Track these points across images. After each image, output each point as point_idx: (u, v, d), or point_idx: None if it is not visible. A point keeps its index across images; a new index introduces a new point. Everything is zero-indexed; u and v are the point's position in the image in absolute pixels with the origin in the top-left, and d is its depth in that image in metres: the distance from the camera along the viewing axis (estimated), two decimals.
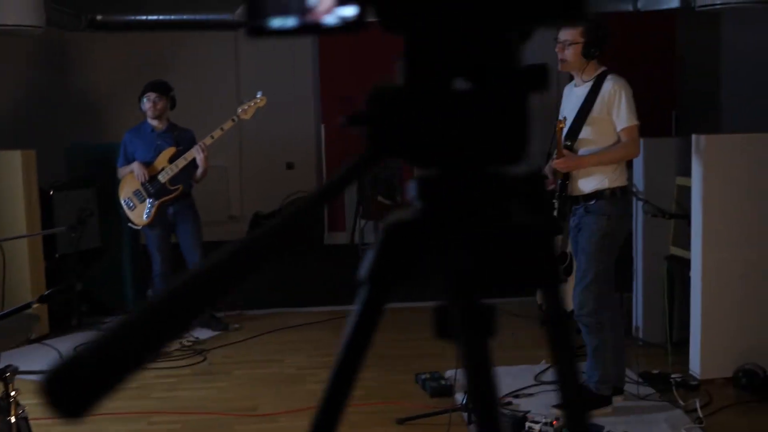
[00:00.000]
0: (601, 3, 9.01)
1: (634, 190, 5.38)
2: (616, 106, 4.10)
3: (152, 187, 5.88)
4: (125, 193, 5.95)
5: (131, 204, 5.92)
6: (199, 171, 5.92)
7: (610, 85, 4.16)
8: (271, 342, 5.87)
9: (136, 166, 5.87)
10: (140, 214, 5.89)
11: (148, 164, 5.91)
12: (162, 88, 5.95)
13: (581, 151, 4.19)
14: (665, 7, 8.64)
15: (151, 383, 5.04)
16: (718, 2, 7.09)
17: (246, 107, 5.80)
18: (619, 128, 4.10)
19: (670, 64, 9.79)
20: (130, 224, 5.98)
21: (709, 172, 4.54)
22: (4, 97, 8.29)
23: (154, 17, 8.64)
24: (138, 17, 8.61)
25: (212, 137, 5.82)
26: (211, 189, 9.94)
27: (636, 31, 9.54)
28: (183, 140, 5.96)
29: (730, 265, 4.60)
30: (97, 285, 6.70)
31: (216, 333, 6.06)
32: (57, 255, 6.17)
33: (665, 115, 9.70)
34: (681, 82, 10.03)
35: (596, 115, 4.16)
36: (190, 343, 5.72)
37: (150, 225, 5.93)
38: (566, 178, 4.23)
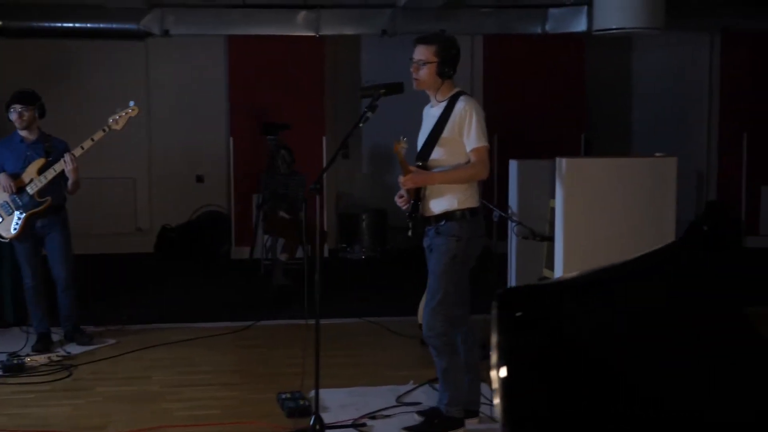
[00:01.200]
0: (511, 25, 9.10)
1: (510, 212, 5.40)
2: (467, 127, 4.10)
3: (20, 199, 5.70)
4: None
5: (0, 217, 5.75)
6: (70, 182, 5.75)
7: (461, 105, 4.16)
8: (143, 358, 5.75)
9: (2, 178, 5.67)
10: (8, 227, 5.71)
11: (17, 176, 5.73)
12: (28, 99, 5.76)
13: (437, 169, 4.19)
14: (572, 30, 8.75)
15: (7, 399, 4.91)
16: (614, 27, 7.18)
17: (117, 117, 5.65)
18: (468, 149, 4.10)
19: (580, 86, 9.90)
20: None
21: (570, 195, 4.57)
22: None
23: (59, 24, 8.51)
24: (43, 24, 8.46)
25: (82, 147, 5.65)
26: (119, 201, 9.83)
27: (547, 54, 9.65)
28: (54, 151, 5.77)
29: None
30: None
31: (85, 348, 5.91)
32: None
33: (574, 138, 9.80)
34: (591, 105, 10.15)
35: (447, 136, 4.16)
36: (59, 358, 5.58)
37: (18, 238, 5.76)
38: (418, 198, 4.21)
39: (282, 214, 8.28)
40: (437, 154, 4.20)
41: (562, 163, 4.58)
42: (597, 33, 7.36)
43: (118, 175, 9.82)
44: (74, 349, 5.88)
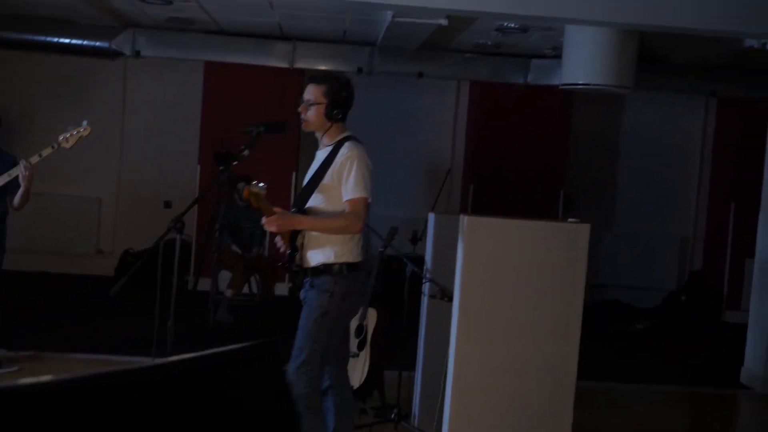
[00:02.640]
0: (493, 72, 8.85)
1: (426, 268, 5.10)
2: (346, 174, 3.84)
3: None
4: None
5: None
6: (20, 192, 5.51)
7: (344, 151, 3.90)
8: None
9: None
10: None
11: None
12: None
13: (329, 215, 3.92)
14: (551, 82, 8.47)
15: None
16: (580, 82, 6.89)
17: (68, 135, 5.45)
18: (344, 198, 3.84)
19: (564, 141, 9.59)
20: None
21: (469, 255, 4.27)
22: None
23: (32, 37, 8.41)
24: (19, 36, 8.37)
25: (29, 162, 5.47)
26: (81, 220, 9.66)
27: (533, 104, 9.37)
28: (1, 165, 5.61)
29: (483, 354, 4.30)
30: None
31: None
32: None
33: (553, 193, 9.48)
34: (575, 161, 9.83)
35: (327, 182, 3.90)
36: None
37: None
38: (294, 248, 3.94)
39: (234, 248, 8.05)
40: (315, 200, 3.94)
41: (464, 220, 4.28)
42: (564, 87, 7.07)
43: (84, 194, 9.67)
44: None
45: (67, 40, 8.41)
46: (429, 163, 9.91)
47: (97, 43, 8.42)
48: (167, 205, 9.78)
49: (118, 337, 7.00)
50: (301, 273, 3.93)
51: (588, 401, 4.48)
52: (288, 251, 3.94)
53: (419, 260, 5.19)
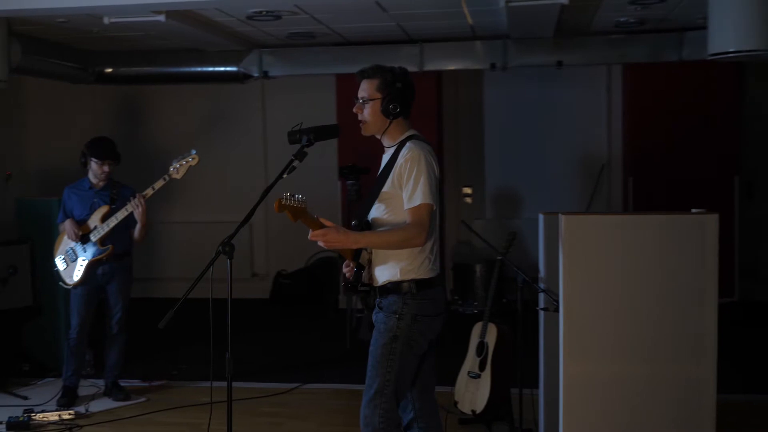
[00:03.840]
0: (641, 52, 8.06)
1: (540, 276, 4.52)
2: (406, 179, 3.37)
3: (84, 246, 5.60)
4: (59, 252, 5.72)
5: (63, 263, 5.67)
6: (138, 227, 5.57)
7: (404, 152, 3.44)
8: (154, 422, 5.39)
9: (68, 225, 5.62)
10: (71, 273, 5.62)
11: (83, 222, 5.64)
12: (117, 155, 5.70)
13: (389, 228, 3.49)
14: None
15: None
16: (730, 50, 6.03)
17: (178, 166, 5.39)
18: (405, 206, 3.37)
19: (735, 121, 8.55)
20: (61, 283, 5.70)
21: (571, 259, 3.68)
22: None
23: (161, 69, 8.53)
24: (145, 69, 8.53)
25: (144, 196, 5.46)
26: (236, 245, 9.68)
27: (695, 82, 8.44)
28: (119, 198, 5.65)
29: (595, 370, 3.70)
30: (36, 345, 6.52)
31: (117, 404, 5.67)
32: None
33: (726, 180, 8.47)
34: (751, 142, 8.77)
35: (387, 190, 3.45)
36: (70, 417, 5.34)
37: (80, 285, 5.65)
38: (360, 266, 3.52)
39: None
40: (377, 211, 3.50)
41: (562, 220, 3.70)
42: (714, 58, 6.21)
43: (237, 219, 9.68)
44: (100, 404, 5.66)
45: (197, 69, 8.45)
46: (581, 158, 9.17)
47: (226, 68, 8.39)
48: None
49: (254, 363, 6.85)
50: (372, 292, 3.51)
51: (721, 419, 3.74)
52: (354, 269, 3.52)
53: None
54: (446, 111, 9.41)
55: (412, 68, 8.20)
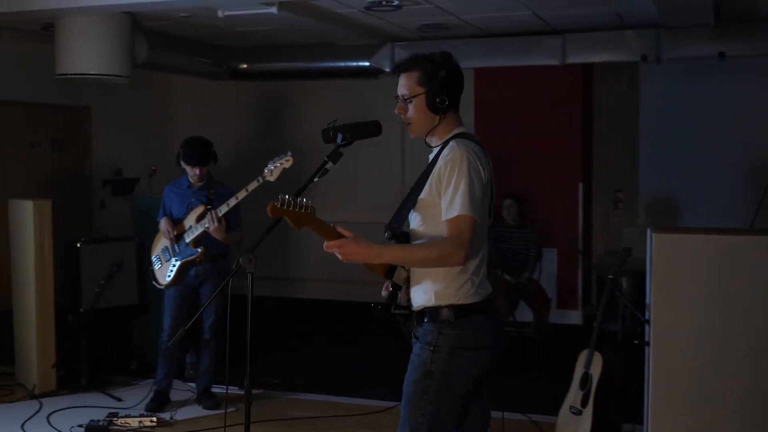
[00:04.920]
0: None
1: (648, 304, 3.81)
2: (445, 185, 2.83)
3: (178, 246, 5.45)
4: (155, 250, 5.60)
5: (158, 262, 5.55)
6: (219, 237, 5.34)
7: (445, 153, 2.90)
8: None
9: (164, 223, 5.47)
10: (164, 273, 5.49)
11: (179, 221, 5.48)
12: (205, 159, 5.49)
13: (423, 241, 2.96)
14: None
15: None
16: None
17: (273, 168, 5.04)
18: (443, 217, 2.82)
19: None
20: (154, 283, 5.58)
21: (660, 280, 3.01)
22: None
23: (295, 65, 8.33)
24: (279, 65, 8.35)
25: (237, 198, 5.21)
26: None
27: None
28: (217, 199, 5.43)
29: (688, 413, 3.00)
30: (146, 344, 6.44)
31: (207, 412, 5.45)
32: (81, 310, 5.99)
33: None
34: None
35: (425, 197, 2.91)
36: (152, 424, 5.16)
37: (171, 286, 5.49)
38: (396, 285, 3.00)
39: (500, 273, 7.13)
40: (414, 221, 2.98)
41: (651, 237, 3.03)
42: None
43: (377, 220, 9.36)
44: (187, 411, 5.46)
45: (330, 64, 8.18)
46: (750, 163, 8.10)
47: (358, 63, 8.06)
48: None
49: (362, 375, 6.47)
50: (413, 317, 2.99)
51: None
52: (389, 289, 3.02)
53: None
54: (596, 108, 8.64)
55: (553, 61, 7.58)
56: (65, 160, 8.34)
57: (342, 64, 8.14)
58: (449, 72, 2.94)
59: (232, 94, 9.68)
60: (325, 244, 2.84)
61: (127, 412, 5.34)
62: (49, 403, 5.57)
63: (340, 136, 3.05)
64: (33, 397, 5.68)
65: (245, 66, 8.37)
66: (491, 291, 2.97)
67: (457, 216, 2.77)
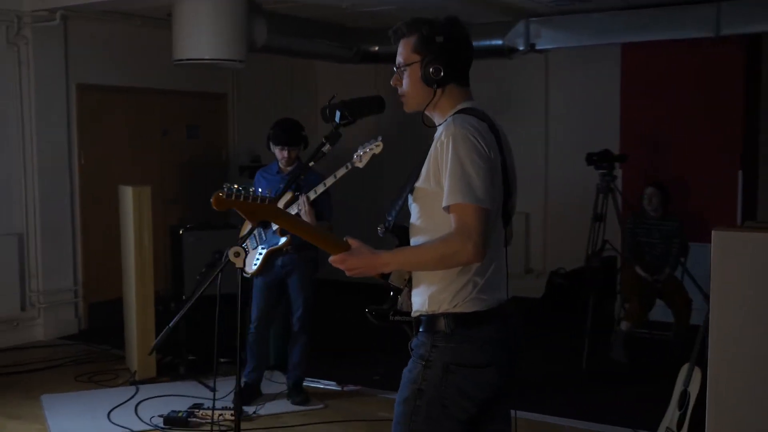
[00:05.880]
0: None
1: (706, 317, 3.15)
2: (444, 167, 2.36)
3: (265, 234, 5.27)
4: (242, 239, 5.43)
5: (245, 250, 5.37)
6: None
7: (439, 133, 2.42)
8: None
9: None
10: (250, 262, 5.32)
11: None
12: (296, 141, 5.27)
13: (413, 242, 2.51)
14: None
15: None
16: None
17: (362, 153, 4.72)
18: (443, 204, 2.35)
19: None
20: (241, 270, 5.39)
21: (722, 284, 2.42)
22: None
23: None
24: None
25: (325, 184, 4.95)
26: (515, 238, 8.81)
27: None
28: (306, 185, 5.18)
29: None
30: (243, 333, 6.31)
31: (295, 408, 5.23)
32: (183, 297, 5.94)
33: None
34: None
35: (421, 185, 2.45)
36: (232, 418, 4.96)
37: (258, 275, 5.32)
38: (396, 288, 2.56)
39: (638, 269, 6.43)
40: (413, 214, 2.53)
41: (714, 237, 2.43)
42: None
43: (522, 209, 8.85)
44: (281, 407, 5.25)
45: None
46: None
47: (490, 42, 7.55)
48: (598, 218, 8.44)
49: None
50: (414, 323, 2.56)
51: None
52: (391, 292, 2.60)
53: None
54: (765, 86, 7.66)
55: (706, 33, 6.74)
56: (200, 147, 8.41)
57: (473, 43, 7.64)
58: (449, 38, 2.48)
59: (371, 79, 9.43)
60: (332, 258, 2.45)
61: (212, 404, 5.20)
62: (145, 390, 5.55)
63: (338, 114, 2.65)
64: (132, 383, 5.68)
65: (377, 48, 8.08)
66: (505, 298, 2.48)
67: (457, 205, 2.31)
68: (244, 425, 4.92)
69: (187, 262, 5.94)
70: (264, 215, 2.40)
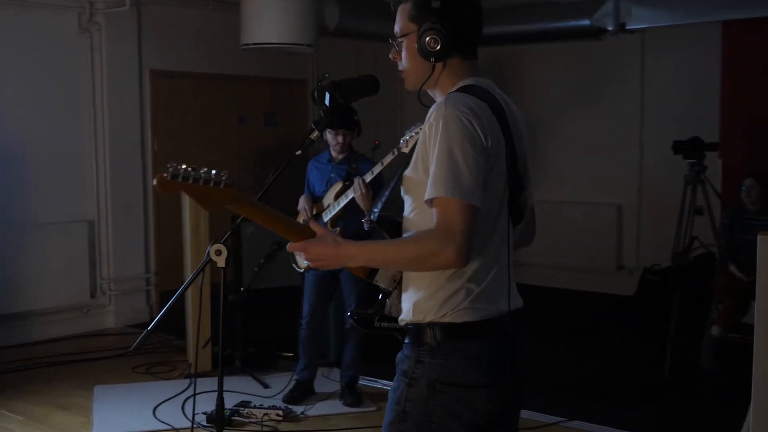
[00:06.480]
0: None
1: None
2: (432, 154, 2.01)
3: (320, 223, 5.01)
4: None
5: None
6: (364, 207, 4.82)
7: (428, 115, 2.07)
8: None
9: (301, 201, 5.06)
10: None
11: (320, 199, 5.06)
12: (351, 125, 5.00)
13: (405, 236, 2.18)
14: None
15: None
16: None
17: (408, 138, 4.42)
18: (426, 196, 2.01)
19: None
20: (294, 266, 5.18)
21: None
22: None
23: (512, 28, 7.54)
24: (496, 29, 7.59)
25: (372, 173, 4.67)
26: (599, 231, 8.30)
27: None
28: (358, 174, 4.91)
29: None
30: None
31: (346, 410, 4.96)
32: (242, 289, 5.77)
33: None
34: None
35: (409, 174, 2.11)
36: (278, 418, 4.75)
37: (311, 270, 5.08)
38: (385, 291, 2.24)
39: (733, 269, 5.87)
40: (406, 207, 2.19)
41: (760, 242, 2.01)
42: None
43: (603, 201, 8.34)
44: (332, 408, 4.99)
45: (547, 25, 7.29)
46: None
47: (578, 23, 7.08)
48: (698, 211, 7.81)
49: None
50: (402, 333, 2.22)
51: None
52: (380, 295, 2.28)
53: None
54: None
55: None
56: (278, 134, 8.25)
57: (558, 24, 7.20)
58: (447, 3, 2.12)
59: None
60: (288, 245, 2.16)
61: (261, 401, 4.99)
62: (199, 384, 5.37)
63: (327, 97, 2.34)
64: (187, 376, 5.55)
65: None
66: (506, 309, 2.11)
67: (440, 199, 1.96)
68: (288, 426, 4.73)
69: (246, 253, 5.75)
70: (219, 200, 2.10)
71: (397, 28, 2.22)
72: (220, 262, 2.42)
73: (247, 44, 6.44)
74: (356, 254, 2.09)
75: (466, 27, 2.16)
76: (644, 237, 8.19)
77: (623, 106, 8.04)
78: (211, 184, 2.06)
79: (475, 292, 2.05)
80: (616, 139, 8.18)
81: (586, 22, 7.04)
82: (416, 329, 2.10)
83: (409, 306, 2.12)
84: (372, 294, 2.29)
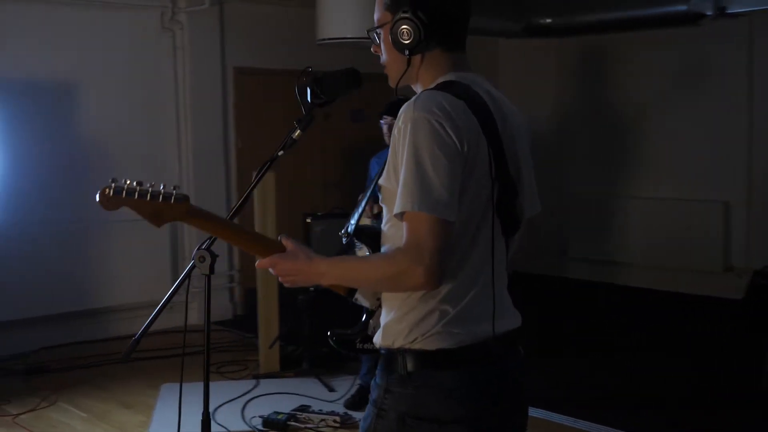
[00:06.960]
0: None
1: None
2: (401, 162, 1.80)
3: (377, 225, 4.85)
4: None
5: (358, 243, 5.00)
6: None
7: (399, 116, 1.85)
8: None
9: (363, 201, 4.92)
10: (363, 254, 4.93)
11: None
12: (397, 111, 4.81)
13: (384, 250, 1.98)
14: None
15: None
16: None
17: None
18: (394, 210, 1.80)
19: None
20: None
21: None
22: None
23: (602, 16, 7.16)
24: (581, 18, 7.23)
25: None
26: (704, 229, 7.76)
27: None
28: None
29: None
30: None
31: None
32: (311, 289, 5.67)
33: None
34: None
35: (383, 183, 1.90)
36: (336, 425, 4.61)
37: None
38: (368, 311, 2.05)
39: None
40: (384, 218, 1.99)
41: None
42: None
43: (708, 198, 7.81)
44: None
45: (641, 12, 6.86)
46: None
47: (673, 8, 6.62)
48: None
49: (602, 387, 5.27)
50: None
51: None
52: (364, 314, 2.09)
53: None
54: None
55: None
56: (364, 131, 8.11)
57: (653, 11, 6.75)
58: None
59: (550, 56, 8.70)
60: (257, 262, 2.01)
61: (322, 406, 4.87)
62: (264, 385, 5.33)
63: (309, 93, 2.16)
64: (255, 377, 5.49)
65: (549, 21, 7.37)
66: (491, 333, 1.87)
67: (409, 214, 1.75)
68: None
69: (316, 251, 5.62)
70: (171, 216, 1.96)
71: (376, 16, 2.01)
72: (204, 269, 2.28)
73: (323, 39, 6.32)
74: (327, 272, 1.92)
75: (448, 15, 1.93)
76: (755, 237, 7.62)
77: (729, 96, 7.49)
78: (160, 199, 1.91)
79: (450, 315, 1.83)
80: (722, 131, 7.64)
81: (683, 7, 6.57)
82: (388, 354, 1.90)
83: (380, 329, 1.92)
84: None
